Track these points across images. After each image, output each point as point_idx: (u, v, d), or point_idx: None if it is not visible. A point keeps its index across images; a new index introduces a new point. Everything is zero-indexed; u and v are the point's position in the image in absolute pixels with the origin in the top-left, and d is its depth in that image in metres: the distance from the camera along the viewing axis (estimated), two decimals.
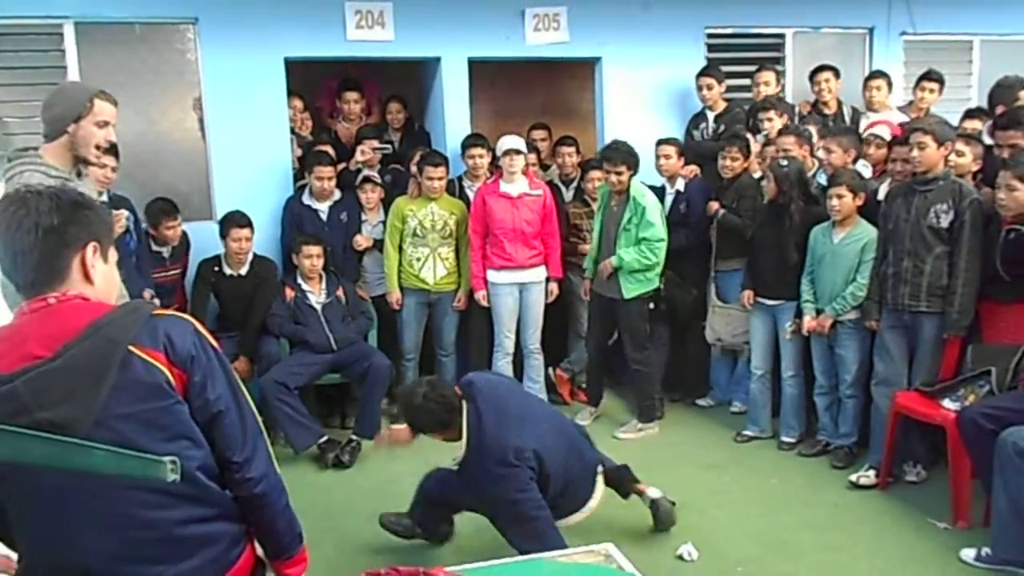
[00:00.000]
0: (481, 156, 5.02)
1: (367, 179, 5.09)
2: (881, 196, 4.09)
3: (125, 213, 3.91)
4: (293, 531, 1.76)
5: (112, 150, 4.25)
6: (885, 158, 4.24)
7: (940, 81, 5.29)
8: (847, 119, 5.30)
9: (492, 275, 4.88)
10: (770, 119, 4.91)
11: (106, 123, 2.64)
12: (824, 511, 3.68)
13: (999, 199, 3.47)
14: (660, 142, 4.99)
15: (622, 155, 4.54)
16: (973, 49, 6.37)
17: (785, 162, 4.21)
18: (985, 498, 3.31)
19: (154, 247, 4.57)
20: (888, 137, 4.23)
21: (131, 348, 1.48)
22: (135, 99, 4.85)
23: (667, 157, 4.92)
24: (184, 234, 4.73)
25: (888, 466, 3.84)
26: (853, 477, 3.89)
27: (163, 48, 4.96)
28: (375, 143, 5.17)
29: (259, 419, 1.71)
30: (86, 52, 4.73)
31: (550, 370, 5.31)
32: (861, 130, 4.45)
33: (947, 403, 3.55)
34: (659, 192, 4.99)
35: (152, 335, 1.51)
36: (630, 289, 4.59)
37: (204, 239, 4.84)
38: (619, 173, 4.53)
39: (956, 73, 6.23)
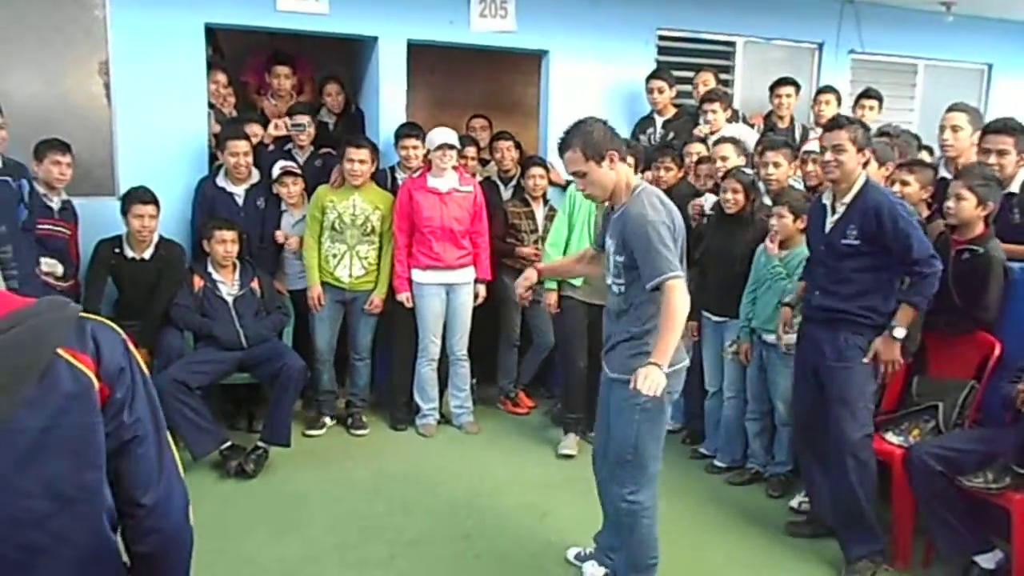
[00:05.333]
0: (415, 148, 4.67)
1: (287, 172, 4.65)
2: None
3: None
4: None
5: None
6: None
7: (879, 99, 5.25)
8: (797, 135, 5.18)
9: (417, 275, 4.55)
10: (714, 111, 4.87)
11: None
12: (766, 541, 3.49)
13: (946, 207, 3.33)
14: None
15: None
16: (918, 72, 6.39)
17: (749, 171, 4.07)
18: (925, 536, 3.20)
19: (41, 192, 4.02)
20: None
21: (59, 351, 1.15)
22: (33, 57, 4.39)
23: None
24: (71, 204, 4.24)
25: None
26: (794, 503, 3.76)
27: (67, 2, 4.45)
28: (299, 119, 4.79)
29: (179, 460, 1.35)
30: None
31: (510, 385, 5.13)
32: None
33: (891, 436, 3.41)
34: None
35: (81, 336, 1.20)
36: None
37: (104, 217, 4.37)
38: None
39: (900, 96, 6.24)
